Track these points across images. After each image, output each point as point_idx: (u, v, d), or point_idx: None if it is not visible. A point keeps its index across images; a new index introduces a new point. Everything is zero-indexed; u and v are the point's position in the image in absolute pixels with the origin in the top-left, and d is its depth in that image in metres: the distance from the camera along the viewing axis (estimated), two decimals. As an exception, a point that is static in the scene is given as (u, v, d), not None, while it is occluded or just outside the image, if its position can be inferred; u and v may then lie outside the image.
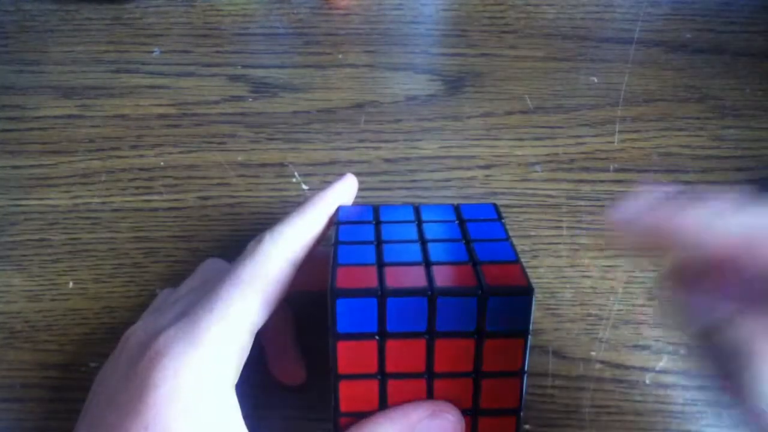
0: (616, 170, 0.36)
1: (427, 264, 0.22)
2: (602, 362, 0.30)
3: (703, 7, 0.43)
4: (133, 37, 0.42)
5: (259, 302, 0.23)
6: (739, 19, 0.42)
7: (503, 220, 0.26)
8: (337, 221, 0.26)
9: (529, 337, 0.22)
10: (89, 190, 0.36)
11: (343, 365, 0.22)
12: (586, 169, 0.36)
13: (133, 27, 0.42)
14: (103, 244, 0.34)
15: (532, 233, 0.34)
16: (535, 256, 0.33)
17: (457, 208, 0.26)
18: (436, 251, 0.23)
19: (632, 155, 0.37)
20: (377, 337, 0.22)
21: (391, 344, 0.22)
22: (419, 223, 0.25)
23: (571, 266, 0.33)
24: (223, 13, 0.43)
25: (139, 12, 0.43)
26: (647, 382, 0.29)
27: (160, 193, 0.36)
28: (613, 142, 0.38)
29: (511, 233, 0.24)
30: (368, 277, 0.22)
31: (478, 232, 0.25)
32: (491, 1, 0.44)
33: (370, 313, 0.21)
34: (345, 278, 0.22)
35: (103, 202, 0.35)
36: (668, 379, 0.30)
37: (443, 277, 0.22)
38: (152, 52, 0.41)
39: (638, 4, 0.43)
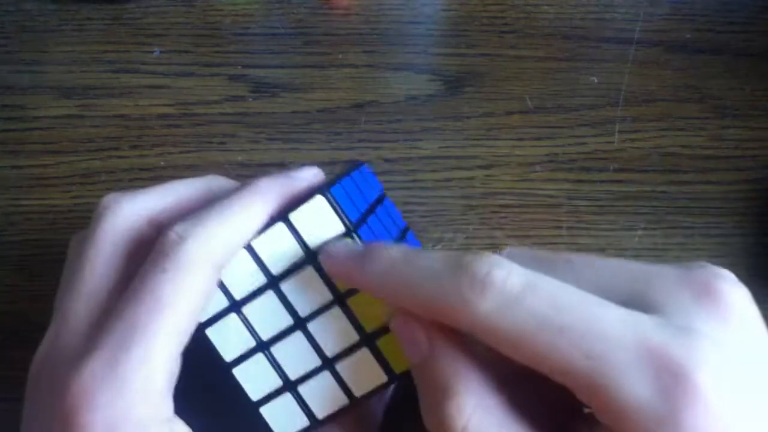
0: (616, 170, 0.36)
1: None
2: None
3: (703, 7, 0.43)
4: (133, 37, 0.42)
5: (186, 323, 0.21)
6: (739, 19, 0.42)
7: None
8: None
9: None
10: (89, 190, 0.36)
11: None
12: (586, 169, 0.36)
13: (133, 27, 0.42)
14: (103, 244, 0.34)
15: (532, 233, 0.34)
16: (535, 256, 0.33)
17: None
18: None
19: (632, 155, 0.37)
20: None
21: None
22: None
23: (571, 266, 0.33)
24: (223, 13, 0.43)
25: (139, 12, 0.43)
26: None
27: (160, 193, 0.36)
28: (613, 142, 0.38)
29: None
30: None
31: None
32: (491, 1, 0.44)
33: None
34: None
35: (103, 202, 0.35)
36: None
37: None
38: (152, 52, 0.41)
39: (638, 4, 0.43)
